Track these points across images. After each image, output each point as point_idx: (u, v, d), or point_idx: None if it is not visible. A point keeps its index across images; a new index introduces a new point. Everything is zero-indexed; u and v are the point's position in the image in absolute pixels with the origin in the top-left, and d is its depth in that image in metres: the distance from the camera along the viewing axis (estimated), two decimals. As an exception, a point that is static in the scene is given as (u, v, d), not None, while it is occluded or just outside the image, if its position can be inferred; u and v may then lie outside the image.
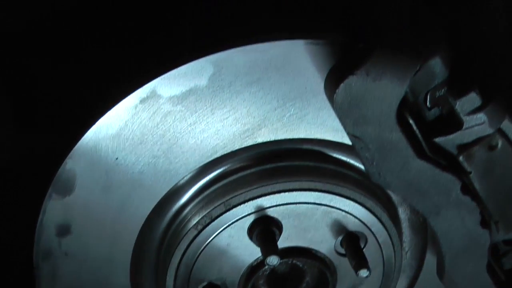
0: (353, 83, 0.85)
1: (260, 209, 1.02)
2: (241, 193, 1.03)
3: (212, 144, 1.01)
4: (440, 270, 1.05)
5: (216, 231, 1.03)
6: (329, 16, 1.01)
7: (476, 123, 0.87)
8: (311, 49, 0.94)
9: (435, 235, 1.01)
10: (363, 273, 1.03)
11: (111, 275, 1.10)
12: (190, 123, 0.98)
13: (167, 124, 0.98)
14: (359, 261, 1.04)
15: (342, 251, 1.08)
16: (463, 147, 0.90)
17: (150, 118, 0.97)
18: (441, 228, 0.98)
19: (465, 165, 0.91)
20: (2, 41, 1.27)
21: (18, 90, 1.34)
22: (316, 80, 0.96)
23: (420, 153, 0.91)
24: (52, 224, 1.03)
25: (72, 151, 0.98)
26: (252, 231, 1.03)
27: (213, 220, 1.03)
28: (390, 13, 0.90)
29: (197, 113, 0.98)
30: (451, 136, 0.89)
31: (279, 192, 1.02)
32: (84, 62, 1.29)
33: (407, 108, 0.90)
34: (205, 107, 0.97)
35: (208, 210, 1.04)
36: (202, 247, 1.04)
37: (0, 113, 1.34)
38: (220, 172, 1.06)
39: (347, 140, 0.94)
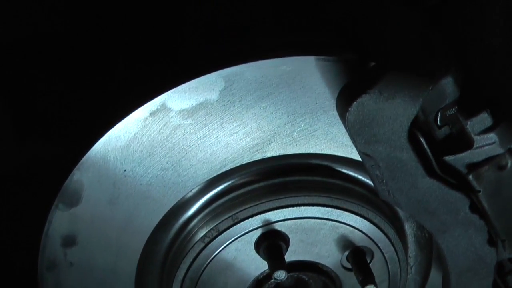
0: (366, 101, 0.85)
1: (268, 223, 1.02)
2: (249, 207, 1.03)
3: (221, 157, 1.00)
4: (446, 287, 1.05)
5: (223, 244, 1.03)
6: (339, 33, 1.01)
7: (486, 143, 0.87)
8: (322, 66, 0.95)
9: (441, 252, 1.01)
10: (370, 288, 1.03)
11: (116, 287, 1.10)
12: (200, 137, 0.98)
13: (177, 137, 0.98)
14: (366, 276, 1.04)
15: (349, 265, 1.09)
16: (473, 166, 0.90)
17: (159, 131, 0.97)
18: (448, 245, 0.98)
19: (474, 184, 0.91)
20: (14, 52, 1.27)
21: (29, 101, 1.34)
22: (326, 96, 0.97)
23: (430, 172, 0.91)
24: (58, 234, 1.03)
25: (80, 162, 0.98)
26: (259, 245, 1.03)
27: (220, 233, 1.03)
28: (400, 31, 0.91)
29: (207, 127, 0.98)
30: (461, 155, 0.89)
31: (287, 206, 1.02)
32: (96, 74, 1.28)
33: (417, 127, 0.90)
34: (215, 121, 0.97)
35: (216, 223, 1.03)
36: (209, 260, 1.04)
37: (5, 122, 1.33)
38: (228, 186, 1.06)
39: (355, 156, 0.94)
